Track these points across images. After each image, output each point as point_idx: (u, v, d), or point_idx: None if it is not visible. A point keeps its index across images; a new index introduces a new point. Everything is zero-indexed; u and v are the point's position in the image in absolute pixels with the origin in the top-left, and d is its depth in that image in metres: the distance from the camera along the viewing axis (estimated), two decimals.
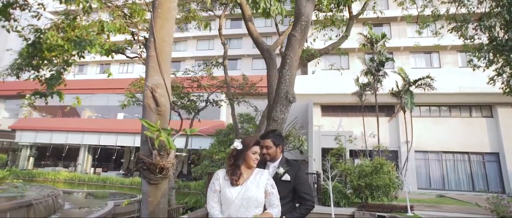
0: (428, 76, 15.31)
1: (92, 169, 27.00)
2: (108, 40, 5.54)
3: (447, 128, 18.15)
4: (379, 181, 10.32)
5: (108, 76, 4.82)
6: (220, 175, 2.22)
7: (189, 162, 24.66)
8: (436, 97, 17.71)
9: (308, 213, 2.37)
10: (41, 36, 4.35)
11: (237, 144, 2.24)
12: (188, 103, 12.34)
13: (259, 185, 2.16)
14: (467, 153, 17.81)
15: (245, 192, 2.11)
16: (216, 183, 2.19)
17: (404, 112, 15.95)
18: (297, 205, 2.46)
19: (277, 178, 2.43)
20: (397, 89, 15.77)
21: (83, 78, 30.77)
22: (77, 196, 14.95)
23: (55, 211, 9.68)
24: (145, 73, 2.49)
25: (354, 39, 17.28)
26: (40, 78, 4.65)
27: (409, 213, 8.96)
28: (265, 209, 2.18)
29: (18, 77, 5.52)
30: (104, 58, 30.59)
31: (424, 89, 15.53)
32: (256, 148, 2.25)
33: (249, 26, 5.25)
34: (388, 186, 10.51)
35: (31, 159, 28.33)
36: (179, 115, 12.56)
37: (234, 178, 2.15)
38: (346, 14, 8.76)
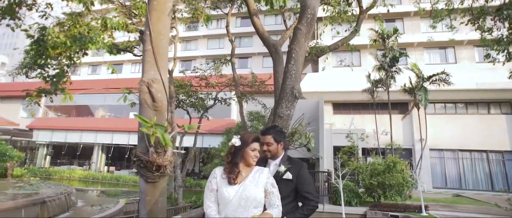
0: (443, 72, 14.82)
1: (106, 167, 27.50)
2: (110, 37, 5.54)
3: (463, 126, 17.58)
4: (392, 179, 10.05)
5: (112, 73, 4.80)
6: (218, 173, 2.12)
7: (200, 160, 24.82)
8: (452, 94, 17.18)
9: (311, 214, 2.24)
10: (45, 33, 4.37)
11: (235, 140, 2.12)
12: (196, 101, 12.33)
13: (258, 184, 2.04)
14: (485, 151, 17.22)
15: (243, 191, 1.99)
16: (213, 182, 2.08)
17: (418, 109, 15.50)
18: (300, 205, 2.33)
19: (278, 176, 2.30)
20: (410, 86, 15.33)
21: (97, 78, 31.34)
22: (90, 194, 15.22)
23: (68, 209, 9.85)
24: (142, 68, 2.42)
25: (366, 36, 16.93)
26: (45, 77, 4.68)
27: (424, 213, 8.67)
28: (265, 209, 2.06)
29: (27, 76, 5.58)
30: (117, 58, 31.13)
31: (439, 85, 15.06)
32: (256, 145, 2.13)
33: (255, 20, 5.12)
34: (402, 185, 10.23)
35: (48, 158, 29.08)
36: (188, 113, 12.58)
37: (232, 176, 2.04)
38: (356, 9, 8.53)
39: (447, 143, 17.57)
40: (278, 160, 2.43)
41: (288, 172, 2.31)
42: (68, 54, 4.47)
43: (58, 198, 9.24)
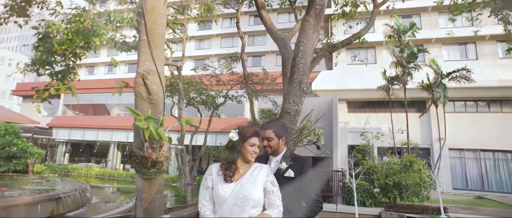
0: (464, 68, 14.16)
1: (121, 165, 28.01)
2: (114, 30, 5.53)
3: (485, 125, 16.80)
4: (409, 179, 9.68)
5: (115, 66, 4.78)
6: (214, 169, 1.98)
7: (214, 159, 24.93)
8: (473, 91, 16.45)
9: (315, 215, 2.06)
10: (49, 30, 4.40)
11: (233, 135, 1.98)
12: (207, 99, 12.29)
13: (257, 182, 1.89)
14: (510, 151, 16.40)
15: (239, 190, 1.84)
16: (209, 179, 1.95)
17: (436, 106, 14.90)
18: (303, 205, 2.15)
19: (279, 174, 2.14)
20: (428, 83, 14.74)
21: (112, 77, 32.00)
22: (106, 191, 15.50)
23: (83, 205, 10.02)
24: (137, 59, 2.31)
25: (381, 32, 16.42)
26: (52, 73, 4.71)
27: (443, 215, 8.28)
28: (265, 209, 1.90)
29: (38, 73, 5.63)
30: (132, 57, 31.63)
31: (459, 81, 14.40)
32: (255, 140, 1.97)
33: (262, 14, 4.97)
34: (419, 185, 9.84)
35: (67, 155, 29.92)
36: (199, 111, 12.55)
37: (228, 173, 1.90)
38: (370, 5, 8.22)
39: (467, 143, 16.85)
40: (279, 157, 2.25)
41: (290, 169, 2.15)
42: (73, 50, 4.47)
43: (73, 194, 9.41)
